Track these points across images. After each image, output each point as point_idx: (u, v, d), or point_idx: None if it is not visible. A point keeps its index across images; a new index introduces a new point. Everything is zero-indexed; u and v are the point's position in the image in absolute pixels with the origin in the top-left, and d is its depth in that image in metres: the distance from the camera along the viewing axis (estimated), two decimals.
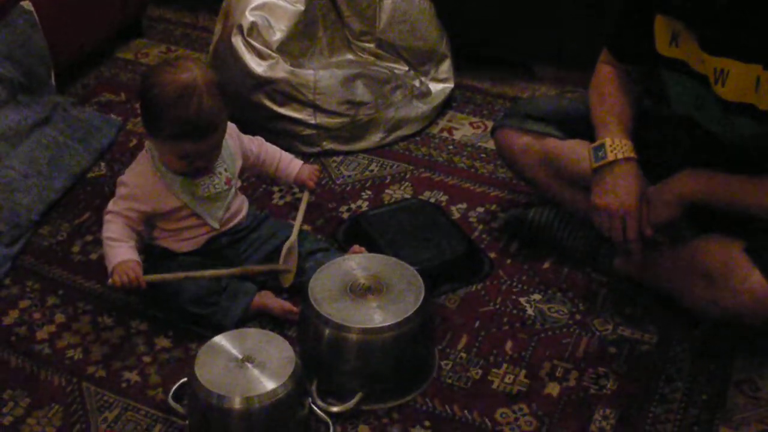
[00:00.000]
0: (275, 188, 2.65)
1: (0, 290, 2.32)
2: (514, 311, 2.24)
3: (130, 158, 2.51)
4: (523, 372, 2.08)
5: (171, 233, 2.19)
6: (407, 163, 2.76)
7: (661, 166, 2.07)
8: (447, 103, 3.00)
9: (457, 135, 2.90)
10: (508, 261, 2.39)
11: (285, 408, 1.85)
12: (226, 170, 2.19)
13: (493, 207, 2.57)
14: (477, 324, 2.20)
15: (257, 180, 2.67)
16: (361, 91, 2.78)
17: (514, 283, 2.32)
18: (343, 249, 2.33)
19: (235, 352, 1.90)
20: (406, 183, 2.67)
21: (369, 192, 2.64)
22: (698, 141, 2.05)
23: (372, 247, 2.28)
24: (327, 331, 1.97)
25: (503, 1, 3.01)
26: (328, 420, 1.94)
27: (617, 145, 2.05)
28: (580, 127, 2.21)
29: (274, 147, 2.36)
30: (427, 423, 1.97)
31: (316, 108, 2.74)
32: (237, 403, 1.82)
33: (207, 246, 2.21)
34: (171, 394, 2.00)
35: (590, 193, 2.09)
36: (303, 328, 2.07)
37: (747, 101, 1.86)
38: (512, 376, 2.07)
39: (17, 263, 2.40)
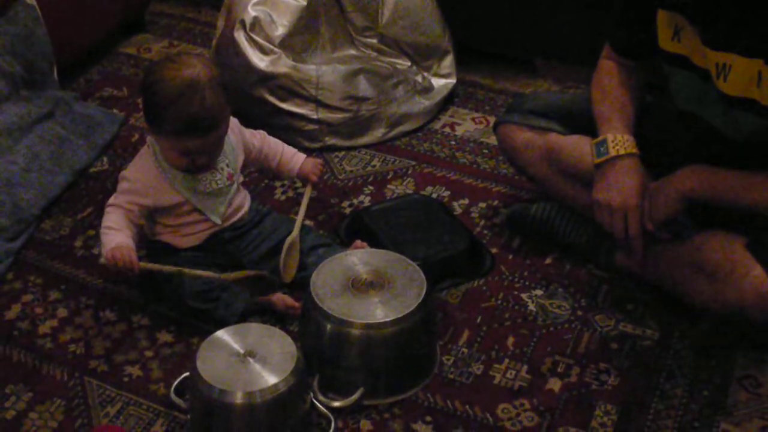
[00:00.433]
0: (277, 183, 2.65)
1: (2, 285, 2.32)
2: (516, 307, 2.24)
3: (133, 153, 2.51)
4: (525, 367, 2.08)
5: (173, 229, 2.19)
6: (409, 158, 2.76)
7: (663, 162, 2.07)
8: (449, 99, 3.00)
9: (460, 130, 2.90)
10: (510, 256, 2.39)
11: (286, 403, 1.85)
12: (227, 166, 2.19)
13: (495, 202, 2.57)
14: (479, 319, 2.21)
15: (259, 175, 2.67)
16: (363, 87, 2.78)
17: (516, 279, 2.32)
18: (345, 244, 2.34)
19: (236, 346, 1.90)
20: (409, 178, 2.68)
21: (371, 187, 2.64)
22: (700, 136, 2.05)
23: (374, 243, 2.28)
24: (329, 326, 1.97)
25: None
26: (330, 415, 1.94)
27: (619, 141, 2.05)
28: (582, 122, 2.21)
29: (277, 141, 2.36)
30: (428, 418, 1.97)
31: (319, 103, 2.74)
32: (239, 398, 1.82)
33: (209, 241, 2.21)
34: (173, 388, 2.00)
35: (592, 188, 2.09)
36: (305, 323, 2.07)
37: (749, 96, 1.86)
38: (514, 372, 2.07)
39: (19, 258, 2.40)
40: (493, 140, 2.68)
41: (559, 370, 2.08)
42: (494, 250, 2.40)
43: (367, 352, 1.98)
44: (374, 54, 2.94)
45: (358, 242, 2.28)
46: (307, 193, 2.32)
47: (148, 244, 2.28)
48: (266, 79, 2.72)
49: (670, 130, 2.16)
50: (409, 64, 2.95)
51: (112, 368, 2.10)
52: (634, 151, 2.05)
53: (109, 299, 2.27)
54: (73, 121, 2.77)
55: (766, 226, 1.94)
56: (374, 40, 2.96)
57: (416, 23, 2.93)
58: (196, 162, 2.11)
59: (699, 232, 2.04)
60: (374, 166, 2.74)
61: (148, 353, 2.13)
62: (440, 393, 2.03)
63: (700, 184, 1.97)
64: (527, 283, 2.31)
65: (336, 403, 1.97)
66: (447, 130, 2.90)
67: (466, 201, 2.58)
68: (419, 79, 2.91)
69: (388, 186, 2.64)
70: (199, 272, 2.12)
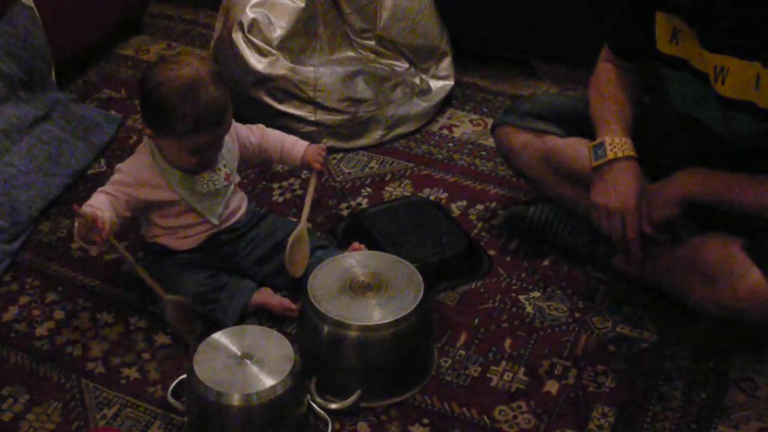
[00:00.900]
0: (275, 185, 2.65)
1: None
2: (514, 309, 2.24)
3: (130, 155, 2.51)
4: (522, 370, 2.08)
5: (170, 231, 2.19)
6: (407, 160, 2.76)
7: (661, 165, 2.07)
8: (447, 101, 3.00)
9: (457, 132, 2.90)
10: (508, 258, 2.39)
11: (284, 405, 1.85)
12: (224, 166, 2.19)
13: (493, 204, 2.57)
14: (476, 321, 2.20)
15: (257, 176, 2.67)
16: (361, 89, 2.78)
17: (514, 281, 2.32)
18: (343, 246, 2.33)
19: (234, 348, 1.90)
20: (406, 180, 2.67)
21: (369, 189, 2.64)
22: (698, 139, 2.05)
23: (371, 245, 2.28)
24: (326, 329, 1.97)
25: None
26: (327, 417, 1.94)
27: (617, 144, 2.05)
28: (580, 124, 2.21)
29: (276, 132, 2.34)
30: (425, 420, 1.97)
31: (317, 105, 2.74)
32: (236, 400, 1.82)
33: (206, 243, 2.21)
34: (170, 390, 2.00)
35: (590, 191, 2.09)
36: (302, 325, 2.07)
37: (747, 99, 1.86)
38: (511, 374, 2.07)
39: (17, 260, 2.40)
40: (491, 142, 2.68)
41: (556, 372, 2.07)
42: (492, 252, 2.40)
43: (364, 354, 1.98)
44: (372, 56, 2.95)
45: (356, 244, 2.28)
46: (312, 183, 2.29)
47: (144, 246, 2.28)
48: (264, 80, 2.72)
49: (668, 132, 2.16)
50: (407, 66, 2.95)
51: (109, 370, 2.09)
52: (632, 153, 2.05)
53: (106, 301, 2.27)
54: (71, 123, 2.77)
55: (764, 229, 1.94)
56: (372, 42, 2.96)
57: (414, 25, 2.93)
58: (203, 159, 2.10)
59: (697, 234, 2.04)
60: (372, 167, 2.74)
61: (146, 355, 2.12)
62: (437, 395, 2.03)
63: (697, 187, 1.97)
64: (525, 285, 2.30)
65: (333, 405, 1.97)
66: (445, 132, 2.90)
67: (464, 203, 2.58)
68: (417, 81, 2.91)
69: (386, 188, 2.64)
70: (148, 278, 2.09)
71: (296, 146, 2.32)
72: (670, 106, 2.09)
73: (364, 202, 2.59)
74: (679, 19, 1.93)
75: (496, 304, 2.25)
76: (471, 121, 2.95)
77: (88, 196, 2.53)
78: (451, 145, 2.83)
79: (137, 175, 2.13)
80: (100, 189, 2.14)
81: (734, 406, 1.99)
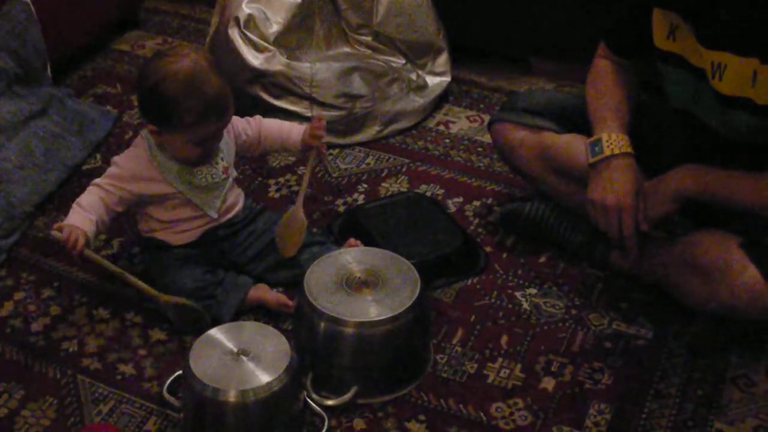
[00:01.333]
0: (271, 181, 2.65)
1: None
2: (510, 305, 2.24)
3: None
4: (519, 366, 2.08)
5: (166, 225, 2.18)
6: (403, 156, 2.76)
7: (658, 161, 2.07)
8: (444, 97, 3.00)
9: (454, 128, 2.89)
10: (504, 255, 2.38)
11: (280, 401, 1.85)
12: (222, 159, 2.19)
13: (490, 201, 2.56)
14: (472, 318, 2.20)
15: (253, 172, 2.67)
16: (357, 84, 2.78)
17: (510, 278, 2.31)
18: (339, 242, 2.33)
19: (230, 345, 1.89)
20: (403, 176, 2.67)
21: (365, 185, 2.64)
22: (695, 135, 2.05)
23: (368, 241, 2.28)
24: (322, 325, 1.96)
25: None
26: (323, 413, 1.94)
27: (614, 140, 2.05)
28: (577, 121, 2.21)
29: (273, 121, 2.35)
30: (422, 417, 1.97)
31: (313, 101, 2.73)
32: (232, 396, 1.81)
33: (203, 239, 2.20)
34: (166, 386, 1.99)
35: (586, 187, 2.09)
36: (298, 321, 2.07)
37: (744, 95, 1.86)
38: (507, 371, 2.07)
39: (12, 255, 2.39)
40: (487, 138, 2.68)
41: (552, 369, 2.07)
42: (488, 249, 2.40)
43: (360, 350, 1.97)
44: (369, 52, 2.94)
45: (352, 240, 2.27)
46: (310, 161, 2.29)
47: (141, 241, 2.28)
48: (260, 76, 2.72)
49: (665, 129, 2.16)
50: (403, 61, 2.95)
51: (105, 366, 2.09)
52: (629, 150, 2.05)
53: (102, 297, 2.27)
54: (67, 118, 2.77)
55: (761, 226, 1.94)
56: (369, 38, 2.95)
57: (411, 21, 2.93)
58: (207, 149, 2.11)
59: (693, 231, 2.04)
60: (368, 163, 2.73)
61: (142, 351, 2.12)
62: (434, 392, 2.02)
63: (694, 184, 1.97)
64: (521, 281, 2.30)
65: (329, 402, 1.96)
66: (441, 128, 2.90)
67: (461, 199, 2.57)
68: (414, 77, 2.91)
69: (382, 184, 2.64)
70: (138, 282, 2.10)
71: (294, 130, 2.32)
72: (667, 102, 2.09)
73: (361, 198, 2.59)
74: (676, 16, 1.93)
75: (493, 300, 2.25)
76: (467, 117, 2.95)
77: (83, 192, 2.55)
78: (447, 141, 2.83)
79: (133, 169, 2.13)
80: (94, 181, 2.15)
81: (730, 402, 1.99)
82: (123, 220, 2.24)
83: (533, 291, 2.27)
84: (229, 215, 2.23)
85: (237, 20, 2.72)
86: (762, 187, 1.91)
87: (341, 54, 2.92)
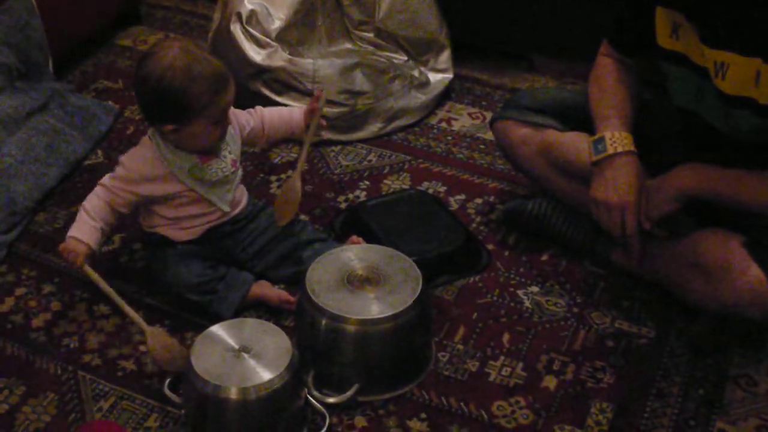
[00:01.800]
0: (273, 177, 2.64)
1: None
2: (512, 303, 2.23)
3: (128, 145, 2.50)
4: (520, 365, 2.08)
5: (171, 221, 2.18)
6: (405, 153, 2.76)
7: (661, 160, 2.07)
8: (446, 94, 2.99)
9: (456, 126, 2.89)
10: (506, 253, 2.38)
11: (281, 399, 1.85)
12: (230, 152, 2.19)
13: (492, 198, 2.56)
14: (474, 316, 2.20)
15: (255, 169, 2.66)
16: (359, 81, 2.78)
17: (512, 275, 2.31)
18: (341, 239, 2.33)
19: (231, 341, 1.89)
20: (405, 173, 2.67)
21: (367, 182, 2.63)
22: (698, 134, 2.05)
23: (370, 238, 2.27)
24: (324, 322, 1.96)
25: None
26: (325, 411, 1.94)
27: (617, 139, 2.04)
28: (580, 119, 2.21)
29: (272, 108, 2.37)
30: (423, 415, 1.97)
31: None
32: (233, 393, 1.81)
33: (206, 235, 2.20)
34: (166, 383, 1.99)
35: (589, 185, 2.09)
36: (300, 318, 2.06)
37: (747, 95, 1.86)
38: (509, 369, 2.07)
39: (13, 250, 2.39)
40: (489, 136, 2.68)
41: (554, 367, 2.07)
42: (490, 247, 2.40)
43: (362, 348, 1.97)
44: (371, 48, 2.93)
45: (354, 237, 2.27)
46: (308, 134, 2.31)
47: (143, 236, 2.27)
48: (262, 72, 2.71)
49: (668, 128, 2.16)
50: (405, 58, 2.94)
51: (106, 362, 2.09)
52: (632, 148, 2.04)
53: (103, 293, 2.26)
54: (68, 113, 2.76)
55: (764, 225, 1.94)
56: (371, 34, 2.95)
57: (413, 17, 2.92)
58: (224, 127, 2.12)
59: (696, 230, 2.04)
60: (370, 160, 2.73)
61: (143, 347, 2.12)
62: (435, 390, 2.02)
63: (697, 183, 1.97)
64: (523, 279, 2.30)
65: (331, 399, 1.96)
66: (443, 125, 2.89)
67: (463, 197, 2.57)
68: (416, 73, 2.91)
69: (384, 181, 2.64)
70: (130, 312, 2.09)
71: (295, 112, 2.35)
72: (670, 101, 2.09)
73: (363, 195, 2.58)
74: (679, 14, 1.92)
75: (495, 298, 2.25)
76: (470, 114, 2.94)
77: (84, 187, 2.56)
78: (449, 138, 2.83)
79: (141, 171, 2.12)
80: (102, 182, 2.15)
81: (732, 402, 1.99)
82: (125, 215, 2.22)
83: (535, 289, 2.27)
84: (236, 211, 2.23)
85: (239, 16, 2.72)
86: (765, 186, 1.91)
87: (343, 50, 2.92)
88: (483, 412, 1.97)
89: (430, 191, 2.58)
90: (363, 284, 2.02)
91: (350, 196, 2.58)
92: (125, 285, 2.27)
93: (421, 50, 2.97)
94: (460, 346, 2.12)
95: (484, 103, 2.99)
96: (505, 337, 2.15)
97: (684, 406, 1.98)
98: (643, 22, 2.02)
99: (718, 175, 1.95)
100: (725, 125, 1.96)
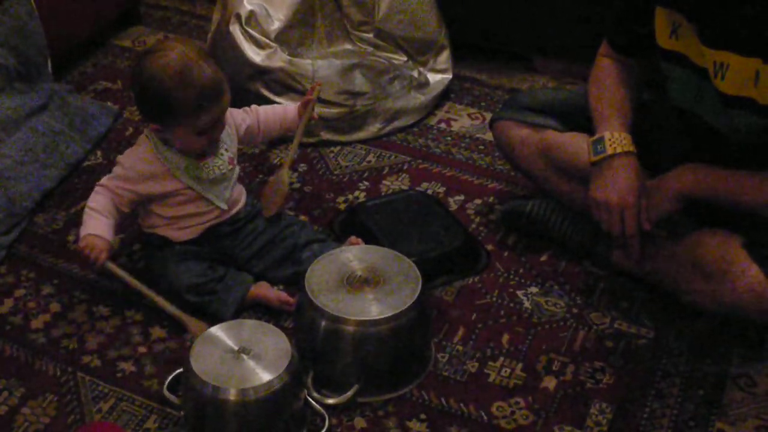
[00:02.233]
0: (271, 178, 2.63)
1: None
2: (511, 304, 2.23)
3: (127, 146, 2.49)
4: (520, 365, 2.08)
5: (170, 221, 2.18)
6: (405, 154, 2.76)
7: (661, 160, 2.07)
8: (445, 94, 2.99)
9: (456, 126, 2.89)
10: (506, 253, 2.38)
11: (280, 400, 1.84)
12: (227, 150, 2.19)
13: (491, 199, 2.56)
14: (474, 317, 2.20)
15: (254, 169, 2.66)
16: (359, 82, 2.77)
17: (512, 276, 2.31)
18: (340, 240, 2.33)
19: (230, 343, 1.89)
20: (404, 174, 2.67)
21: (366, 183, 2.63)
22: (698, 134, 2.04)
23: (369, 239, 2.27)
24: (323, 323, 1.96)
25: None
26: (324, 412, 1.93)
27: (616, 139, 2.04)
28: (579, 119, 2.21)
29: (267, 107, 2.38)
30: (422, 416, 1.97)
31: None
32: (232, 395, 1.81)
33: (205, 235, 2.20)
34: (166, 384, 1.99)
35: (588, 186, 2.08)
36: (299, 319, 2.06)
37: (747, 95, 1.86)
38: (509, 370, 2.07)
39: (12, 252, 2.39)
40: (489, 136, 2.68)
41: (554, 368, 2.07)
42: (490, 247, 2.40)
43: (361, 349, 1.97)
44: (370, 49, 2.93)
45: (353, 238, 2.27)
46: (302, 123, 2.33)
47: (142, 237, 2.27)
48: (261, 73, 2.71)
49: (667, 128, 2.16)
50: (405, 59, 2.94)
51: (105, 363, 2.09)
52: (632, 149, 2.04)
53: (102, 294, 2.26)
54: (68, 114, 2.76)
55: (763, 226, 1.94)
56: (370, 35, 2.95)
57: (413, 18, 2.92)
58: (212, 138, 2.11)
59: (696, 231, 2.03)
60: (369, 161, 2.73)
61: (142, 349, 2.12)
62: (435, 390, 2.02)
63: (697, 183, 1.96)
64: (522, 280, 2.30)
65: (330, 400, 1.96)
66: (443, 125, 2.89)
67: (462, 197, 2.57)
68: (415, 74, 2.90)
69: (384, 182, 2.64)
70: (157, 298, 2.11)
71: (289, 109, 2.38)
72: (670, 101, 2.08)
73: (362, 196, 2.58)
74: (679, 14, 1.92)
75: (494, 299, 2.25)
76: (469, 114, 2.94)
77: (84, 188, 2.56)
78: (449, 138, 2.83)
79: (140, 169, 2.12)
80: (102, 183, 2.15)
81: (732, 403, 1.99)
82: (124, 216, 2.22)
83: (535, 290, 2.27)
84: (233, 211, 2.23)
85: (238, 16, 2.72)
86: (765, 187, 1.91)
87: (343, 51, 2.92)
88: (482, 413, 1.97)
89: (430, 192, 2.58)
90: (362, 285, 2.02)
91: (349, 196, 2.58)
92: (124, 286, 2.26)
93: (420, 51, 2.97)
94: (460, 347, 2.12)
95: (483, 103, 2.99)
96: (505, 337, 2.15)
97: (683, 407, 1.98)
98: (643, 22, 2.02)
99: (717, 176, 1.95)
100: (725, 125, 1.95)
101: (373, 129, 2.81)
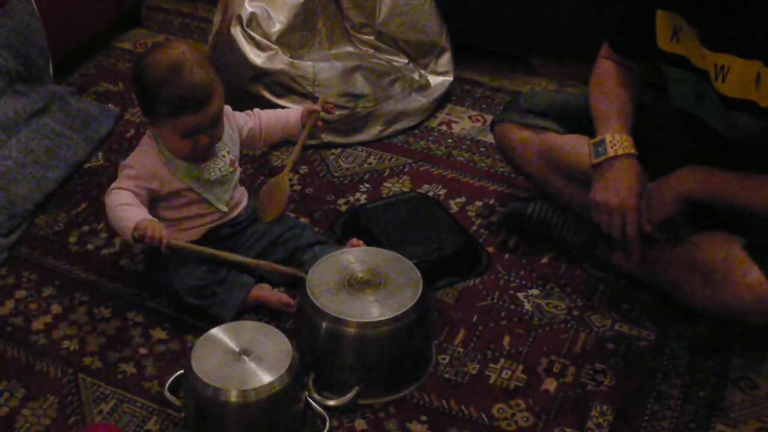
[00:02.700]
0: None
1: None
2: (512, 306, 2.23)
3: (128, 148, 2.50)
4: (521, 367, 2.08)
5: (172, 223, 2.17)
6: (406, 156, 2.76)
7: (662, 162, 2.06)
8: (446, 97, 2.99)
9: (456, 128, 2.89)
10: (506, 255, 2.38)
11: (281, 401, 1.85)
12: (228, 152, 2.19)
13: (492, 201, 2.56)
14: (475, 319, 2.20)
15: (255, 171, 2.66)
16: (360, 84, 2.78)
17: (512, 278, 2.31)
18: (341, 242, 2.33)
19: (231, 344, 1.89)
20: (405, 176, 2.67)
21: (367, 185, 2.63)
22: (698, 137, 2.04)
23: (370, 241, 2.27)
24: (324, 325, 1.96)
25: None
26: (325, 414, 1.93)
27: (617, 141, 2.04)
28: (580, 122, 2.21)
29: (270, 111, 2.38)
30: (423, 418, 1.97)
31: (315, 100, 2.73)
32: (233, 396, 1.81)
33: (206, 237, 2.20)
34: (167, 386, 1.99)
35: (589, 188, 2.09)
36: (300, 321, 2.06)
37: (747, 98, 1.86)
38: (509, 372, 2.07)
39: (13, 253, 2.39)
40: (490, 138, 2.68)
41: (554, 370, 2.07)
42: (490, 249, 2.40)
43: (362, 350, 1.97)
44: (371, 51, 2.94)
45: (354, 240, 2.27)
46: (306, 129, 2.33)
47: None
48: (262, 75, 2.71)
49: (668, 130, 2.16)
50: (406, 61, 2.95)
51: (106, 365, 2.09)
52: (632, 151, 2.04)
53: (103, 296, 2.26)
54: (69, 116, 2.76)
55: (764, 227, 1.94)
56: (371, 37, 2.95)
57: (414, 20, 2.93)
58: (198, 144, 2.09)
59: (696, 232, 2.03)
60: (370, 163, 2.73)
61: (143, 350, 2.12)
62: (436, 392, 2.02)
63: (697, 185, 1.96)
64: (523, 282, 2.30)
65: (331, 402, 1.96)
66: (444, 128, 2.89)
67: (463, 199, 2.57)
68: (416, 76, 2.91)
69: (385, 184, 2.64)
70: (234, 256, 2.13)
71: (291, 114, 2.37)
72: (671, 103, 2.09)
73: (363, 198, 2.58)
74: (680, 17, 1.92)
75: (495, 301, 2.25)
76: (470, 117, 2.94)
77: (84, 190, 2.56)
78: (449, 141, 2.83)
79: (148, 167, 2.12)
80: (117, 186, 2.12)
81: (733, 405, 1.99)
82: None
83: (535, 292, 2.27)
84: (234, 213, 2.23)
85: (239, 19, 2.72)
86: (765, 189, 1.90)
87: (344, 53, 2.92)
88: (483, 415, 1.97)
89: (431, 194, 2.58)
90: (363, 287, 2.02)
91: (350, 198, 2.58)
92: (125, 288, 2.27)
93: (421, 53, 2.97)
94: (461, 349, 2.12)
95: (484, 105, 3.00)
96: (506, 339, 2.15)
97: (684, 409, 1.98)
98: (644, 25, 2.02)
99: (718, 178, 1.95)
100: (725, 128, 1.96)
101: (374, 131, 2.81)
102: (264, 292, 2.19)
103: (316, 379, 1.99)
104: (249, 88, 2.72)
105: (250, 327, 1.96)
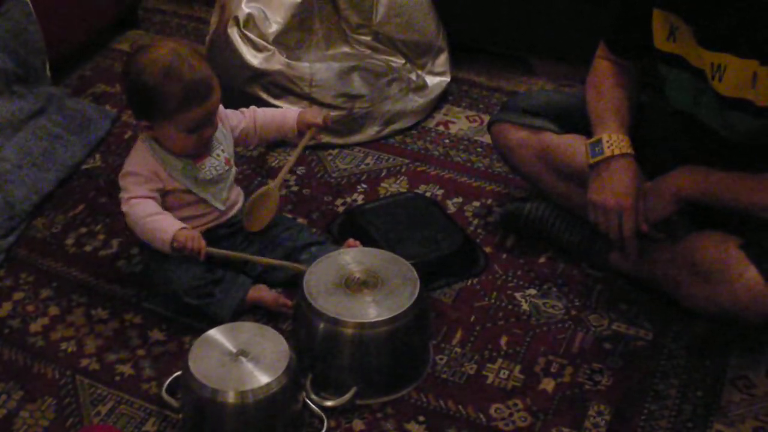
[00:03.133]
0: (270, 181, 2.64)
1: None
2: (510, 306, 2.23)
3: (125, 150, 2.50)
4: (518, 367, 2.08)
5: None
6: (403, 156, 2.76)
7: (659, 162, 2.07)
8: (443, 97, 2.99)
9: (454, 129, 2.89)
10: (504, 256, 2.38)
11: (279, 402, 1.85)
12: (223, 151, 2.19)
13: (489, 201, 2.56)
14: (472, 319, 2.20)
15: (252, 172, 2.67)
16: (357, 84, 2.78)
17: (510, 278, 2.31)
18: (338, 243, 2.33)
19: (229, 345, 1.89)
20: (402, 177, 2.67)
21: (364, 185, 2.63)
22: (695, 136, 2.05)
23: (367, 241, 2.27)
24: (321, 326, 1.96)
25: None
26: (323, 414, 1.94)
27: (614, 141, 2.04)
28: (577, 122, 2.21)
29: (266, 109, 2.37)
30: (421, 418, 1.97)
31: (312, 101, 2.73)
32: (231, 397, 1.81)
33: (205, 237, 2.19)
34: (165, 387, 1.99)
35: (586, 188, 2.09)
36: (297, 322, 2.06)
37: (744, 97, 1.86)
38: (507, 372, 2.07)
39: (11, 255, 2.39)
40: (487, 139, 2.68)
41: (552, 370, 2.07)
42: (488, 249, 2.40)
43: (360, 351, 1.97)
44: (368, 51, 2.94)
45: (351, 241, 2.27)
46: (305, 139, 2.31)
47: (140, 240, 2.27)
48: (259, 76, 2.71)
49: (665, 130, 2.16)
50: (403, 61, 2.95)
51: (104, 367, 2.09)
52: (629, 151, 2.04)
53: (101, 297, 2.26)
54: (66, 118, 2.76)
55: (761, 227, 1.94)
56: (368, 38, 2.95)
57: (411, 21, 2.93)
58: (202, 138, 2.10)
59: (693, 232, 2.04)
60: (368, 164, 2.73)
61: (140, 352, 2.12)
62: (433, 393, 2.02)
63: (694, 185, 1.97)
64: (521, 282, 2.30)
65: (329, 403, 1.96)
66: (441, 128, 2.89)
67: (460, 200, 2.57)
68: (413, 77, 2.91)
69: (382, 184, 2.64)
70: (267, 259, 2.15)
71: (288, 114, 2.34)
72: (668, 103, 2.09)
73: (360, 199, 2.58)
74: (676, 17, 1.92)
75: (492, 301, 2.25)
76: (467, 117, 2.94)
77: (82, 191, 2.56)
78: (447, 141, 2.83)
79: (150, 168, 2.12)
80: (133, 195, 2.11)
81: (730, 404, 1.99)
82: (122, 220, 2.22)
83: (533, 292, 2.27)
84: (231, 213, 2.23)
85: (236, 20, 2.72)
86: (762, 188, 1.91)
87: (341, 54, 2.92)
88: (481, 415, 1.97)
89: (428, 194, 2.58)
90: (360, 287, 2.02)
91: (347, 199, 2.58)
92: (123, 289, 2.27)
93: (418, 53, 2.97)
94: (458, 349, 2.12)
95: (481, 106, 3.00)
96: (503, 339, 2.15)
97: (681, 408, 1.98)
98: (640, 24, 2.02)
99: (715, 178, 1.95)
100: (722, 127, 1.96)
101: (371, 131, 2.81)
102: (261, 292, 2.19)
103: (313, 379, 1.99)
104: (246, 88, 2.72)
105: (247, 328, 1.96)
